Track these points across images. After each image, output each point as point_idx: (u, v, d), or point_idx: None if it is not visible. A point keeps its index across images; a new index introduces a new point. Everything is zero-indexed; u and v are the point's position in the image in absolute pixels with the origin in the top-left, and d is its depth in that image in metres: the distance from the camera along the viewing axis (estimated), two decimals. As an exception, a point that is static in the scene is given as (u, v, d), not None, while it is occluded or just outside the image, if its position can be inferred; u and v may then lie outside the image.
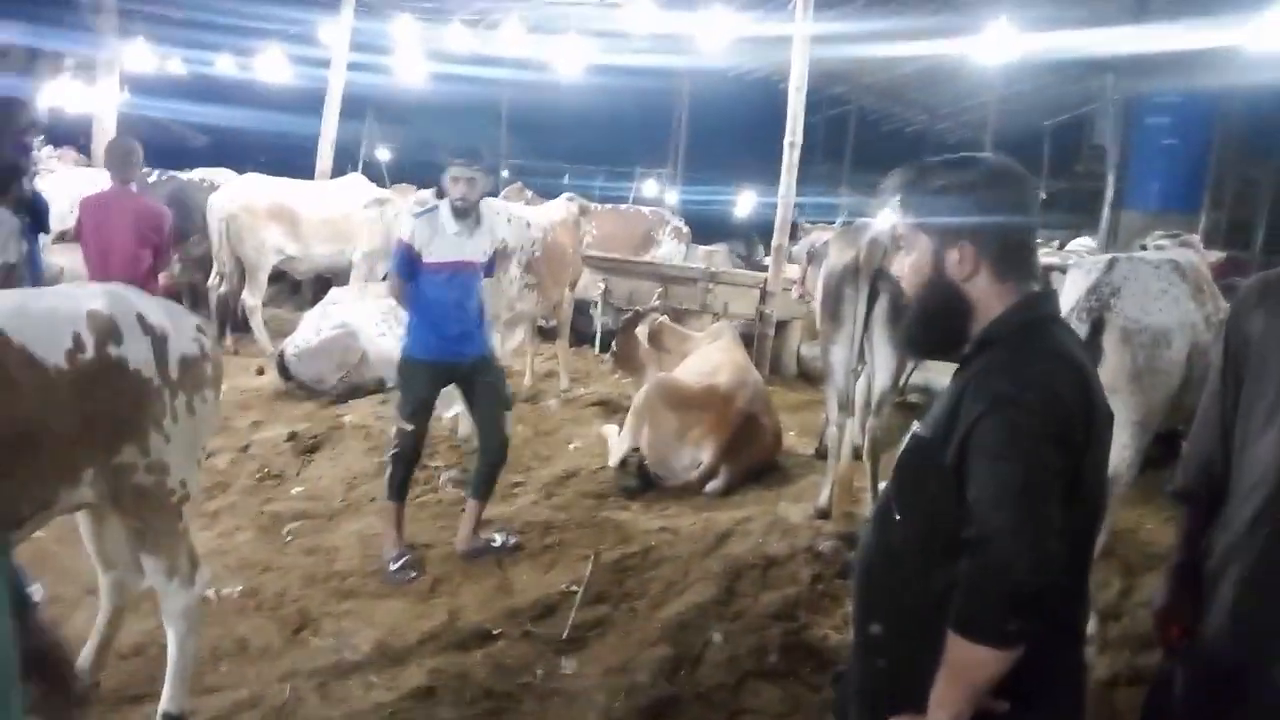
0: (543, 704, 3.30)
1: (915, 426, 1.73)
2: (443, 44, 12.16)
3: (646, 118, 18.37)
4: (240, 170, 11.13)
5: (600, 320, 9.14)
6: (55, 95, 12.91)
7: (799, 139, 8.27)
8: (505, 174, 20.26)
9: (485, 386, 4.40)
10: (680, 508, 5.08)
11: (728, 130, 18.48)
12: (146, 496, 2.76)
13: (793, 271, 7.83)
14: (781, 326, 8.44)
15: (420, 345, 4.28)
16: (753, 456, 5.48)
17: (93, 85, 11.18)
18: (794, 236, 8.58)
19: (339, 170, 11.37)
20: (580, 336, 9.18)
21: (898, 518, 1.71)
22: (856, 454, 5.01)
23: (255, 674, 3.36)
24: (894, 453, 4.72)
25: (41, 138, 7.54)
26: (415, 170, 15.26)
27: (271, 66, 12.28)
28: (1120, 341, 3.87)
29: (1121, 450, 3.79)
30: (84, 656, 3.10)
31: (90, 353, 2.62)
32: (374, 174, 14.11)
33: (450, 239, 4.21)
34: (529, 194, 10.54)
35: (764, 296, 8.33)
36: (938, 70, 12.40)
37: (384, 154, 19.50)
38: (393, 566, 4.16)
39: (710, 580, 4.08)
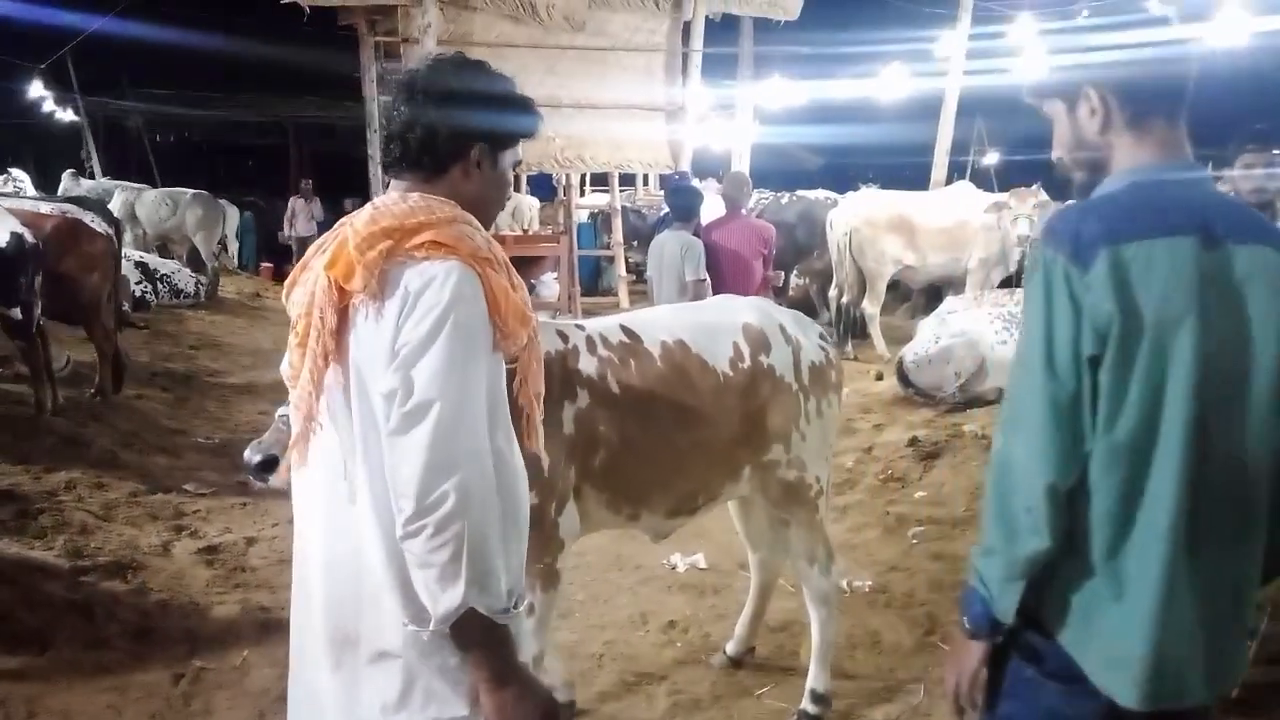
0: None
1: None
2: (1063, 39, 11.41)
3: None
4: (842, 190, 11.79)
5: None
6: (702, 133, 14.90)
7: None
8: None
9: None
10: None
11: None
12: (790, 490, 3.01)
13: None
14: None
15: None
16: None
17: (731, 122, 12.73)
18: None
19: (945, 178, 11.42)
20: None
21: None
22: None
23: (889, 668, 3.43)
24: None
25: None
26: (1020, 172, 14.53)
27: (889, 85, 12.74)
28: None
29: None
30: (741, 623, 3.47)
31: (747, 361, 2.92)
32: (980, 180, 13.80)
33: None
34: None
35: None
36: None
37: (990, 158, 19.01)
38: None
39: None
